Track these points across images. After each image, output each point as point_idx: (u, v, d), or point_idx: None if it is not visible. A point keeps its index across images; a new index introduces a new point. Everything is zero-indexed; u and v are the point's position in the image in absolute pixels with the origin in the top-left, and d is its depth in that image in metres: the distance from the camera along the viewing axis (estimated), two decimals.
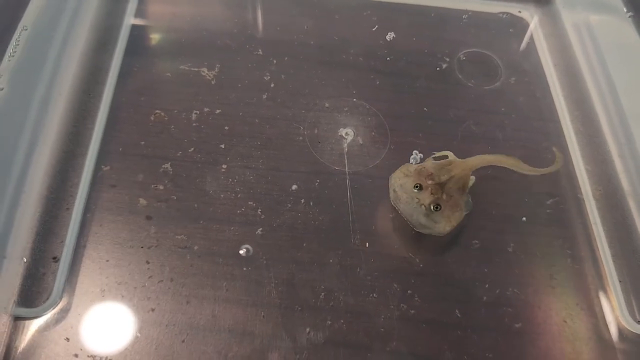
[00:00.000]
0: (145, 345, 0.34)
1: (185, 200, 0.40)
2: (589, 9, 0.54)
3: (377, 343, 0.35)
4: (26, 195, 0.38)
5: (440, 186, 0.36)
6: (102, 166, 0.41)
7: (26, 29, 0.44)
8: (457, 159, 0.39)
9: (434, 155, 0.41)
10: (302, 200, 0.40)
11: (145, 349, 0.33)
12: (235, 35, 0.50)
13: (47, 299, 0.35)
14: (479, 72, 0.50)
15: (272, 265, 0.37)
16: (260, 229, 0.39)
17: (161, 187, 0.40)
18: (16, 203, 0.37)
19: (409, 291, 0.37)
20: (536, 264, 0.39)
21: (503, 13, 0.55)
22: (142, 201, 0.39)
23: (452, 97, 0.48)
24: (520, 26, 0.54)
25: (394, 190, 0.38)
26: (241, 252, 0.38)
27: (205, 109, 0.45)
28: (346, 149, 0.43)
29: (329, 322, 0.35)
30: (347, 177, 0.42)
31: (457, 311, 0.36)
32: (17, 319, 0.34)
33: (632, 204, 0.42)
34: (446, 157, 0.40)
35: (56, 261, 0.36)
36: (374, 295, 0.36)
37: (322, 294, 0.36)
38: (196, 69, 0.47)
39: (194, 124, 0.44)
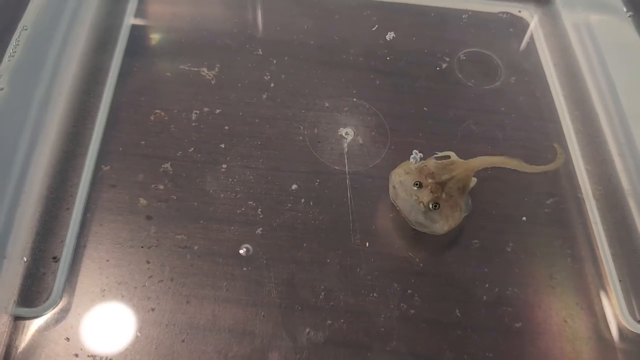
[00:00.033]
0: (146, 345, 0.34)
1: (186, 200, 0.40)
2: (589, 9, 0.54)
3: (377, 343, 0.35)
4: (26, 195, 0.38)
5: (441, 185, 0.36)
6: (102, 166, 0.41)
7: (26, 29, 0.44)
8: (460, 160, 0.39)
9: (436, 156, 0.41)
10: (302, 200, 0.40)
11: (146, 348, 0.33)
12: (235, 35, 0.50)
13: (47, 298, 0.35)
14: (479, 71, 0.50)
15: (272, 265, 0.37)
16: (260, 228, 0.39)
17: (161, 187, 0.40)
18: (16, 203, 0.37)
19: (409, 291, 0.37)
20: (536, 264, 0.39)
21: (503, 13, 0.55)
22: (142, 201, 0.39)
23: (452, 96, 0.48)
24: (520, 26, 0.54)
25: (394, 187, 0.38)
26: (241, 251, 0.38)
27: (205, 109, 0.45)
28: (346, 149, 0.43)
29: (329, 322, 0.35)
30: (347, 176, 0.42)
31: (457, 311, 0.36)
32: (17, 319, 0.34)
33: (632, 204, 0.42)
34: (448, 157, 0.40)
35: (56, 261, 0.36)
36: (374, 295, 0.36)
37: (322, 293, 0.36)
38: (196, 69, 0.47)
39: (194, 124, 0.44)
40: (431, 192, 0.35)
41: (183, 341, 0.34)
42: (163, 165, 0.41)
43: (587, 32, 0.52)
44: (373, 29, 0.52)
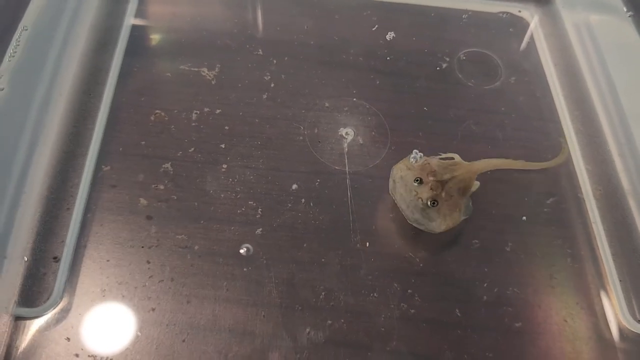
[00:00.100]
0: (146, 345, 0.34)
1: (186, 200, 0.40)
2: (589, 9, 0.54)
3: (378, 343, 0.35)
4: (27, 196, 0.38)
5: (441, 184, 0.36)
6: (103, 166, 0.41)
7: (26, 29, 0.44)
8: (463, 162, 0.39)
9: (440, 157, 0.41)
10: (303, 200, 0.40)
11: (146, 348, 0.33)
12: (235, 35, 0.50)
13: (48, 298, 0.35)
14: (479, 71, 0.50)
15: (273, 265, 0.37)
16: (261, 228, 0.39)
17: (161, 187, 0.40)
18: (17, 203, 0.37)
19: (409, 291, 0.37)
20: (536, 264, 0.39)
21: (503, 13, 0.55)
22: (143, 201, 0.39)
23: (452, 96, 0.48)
24: (520, 26, 0.54)
25: (394, 181, 0.38)
26: (241, 251, 0.38)
27: (206, 109, 0.45)
28: (346, 149, 0.43)
29: (329, 322, 0.35)
30: (347, 176, 0.42)
31: (457, 311, 0.36)
32: (18, 319, 0.34)
33: (632, 203, 0.42)
34: (452, 159, 0.40)
35: (57, 261, 0.36)
36: (374, 294, 0.36)
37: (323, 293, 0.36)
38: (196, 69, 0.47)
39: (194, 124, 0.44)
40: (431, 189, 0.35)
41: (183, 341, 0.34)
42: (163, 166, 0.41)
43: (587, 32, 0.52)
44: (373, 29, 0.52)
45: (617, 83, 0.47)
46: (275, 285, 0.36)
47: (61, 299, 0.35)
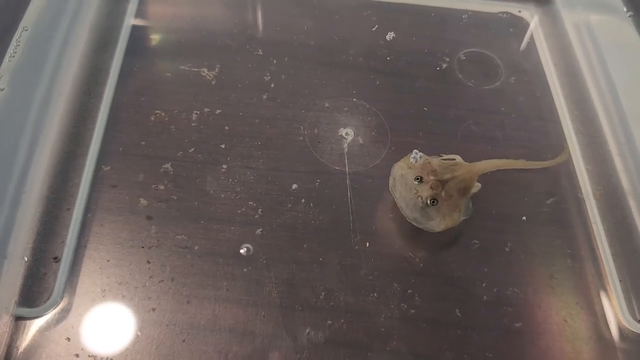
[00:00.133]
0: (146, 345, 0.34)
1: (186, 200, 0.40)
2: (589, 9, 0.54)
3: (378, 342, 0.35)
4: (27, 196, 0.38)
5: (441, 183, 0.36)
6: (103, 166, 0.41)
7: (27, 30, 0.44)
8: (465, 162, 0.39)
9: (442, 158, 0.41)
10: (303, 200, 0.40)
11: (146, 348, 0.34)
12: (235, 35, 0.50)
13: (48, 298, 0.35)
14: (478, 71, 0.50)
15: (273, 265, 0.37)
16: (261, 228, 0.39)
17: (162, 187, 0.40)
18: (17, 203, 0.37)
19: (409, 291, 0.37)
20: (536, 264, 0.39)
21: (503, 13, 0.55)
22: (143, 201, 0.39)
23: (452, 96, 0.48)
24: (520, 26, 0.54)
25: (394, 179, 0.38)
26: (242, 252, 0.38)
27: (206, 109, 0.45)
28: (346, 149, 0.43)
29: (330, 322, 0.35)
30: (347, 177, 0.42)
31: (457, 310, 0.36)
32: (18, 319, 0.34)
33: (632, 203, 0.42)
34: (454, 159, 0.40)
35: (57, 261, 0.36)
36: (374, 294, 0.36)
37: (323, 293, 0.36)
38: (196, 69, 0.47)
39: (194, 124, 0.44)
40: (431, 187, 0.35)
41: (184, 341, 0.34)
42: (163, 166, 0.41)
43: (587, 32, 0.52)
44: (373, 29, 0.52)
45: (617, 83, 0.47)
46: (275, 285, 0.36)
47: (61, 299, 0.35)
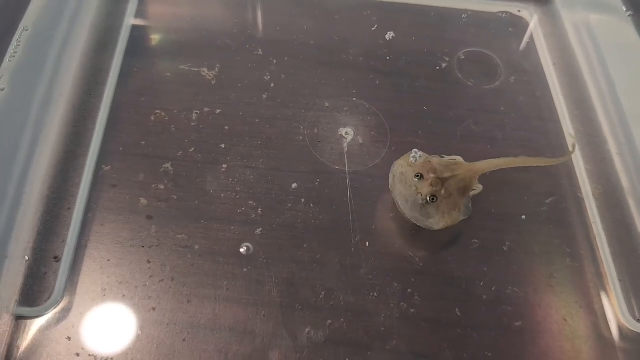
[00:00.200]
0: (147, 344, 0.34)
1: (186, 199, 0.40)
2: (588, 9, 0.54)
3: (377, 342, 0.35)
4: (27, 195, 0.38)
5: (441, 181, 0.36)
6: (103, 166, 0.41)
7: (27, 30, 0.44)
8: (465, 162, 0.39)
9: (443, 158, 0.41)
10: (303, 200, 0.40)
11: (147, 348, 0.34)
12: (235, 35, 0.50)
13: (49, 298, 0.35)
14: (478, 71, 0.50)
15: (273, 265, 0.37)
16: (261, 228, 0.39)
17: (162, 187, 0.40)
18: (18, 203, 0.37)
19: (409, 290, 0.37)
20: (536, 263, 0.39)
21: (503, 12, 0.55)
22: (143, 201, 0.39)
23: (452, 96, 0.48)
24: (520, 26, 0.55)
25: (394, 176, 0.38)
26: (242, 251, 0.38)
27: (206, 109, 0.45)
28: (346, 149, 0.43)
29: (330, 321, 0.35)
30: (347, 176, 0.42)
31: (457, 310, 0.37)
32: (19, 319, 0.34)
33: (631, 203, 0.42)
34: (454, 160, 0.40)
35: (57, 261, 0.36)
36: (374, 294, 0.37)
37: (323, 293, 0.36)
38: (196, 69, 0.47)
39: (194, 124, 0.44)
40: (431, 185, 0.35)
41: (184, 340, 0.34)
42: (164, 165, 0.41)
43: (587, 32, 0.52)
44: (373, 29, 0.52)
45: (616, 83, 0.48)
46: (276, 284, 0.36)
47: (62, 298, 0.35)
